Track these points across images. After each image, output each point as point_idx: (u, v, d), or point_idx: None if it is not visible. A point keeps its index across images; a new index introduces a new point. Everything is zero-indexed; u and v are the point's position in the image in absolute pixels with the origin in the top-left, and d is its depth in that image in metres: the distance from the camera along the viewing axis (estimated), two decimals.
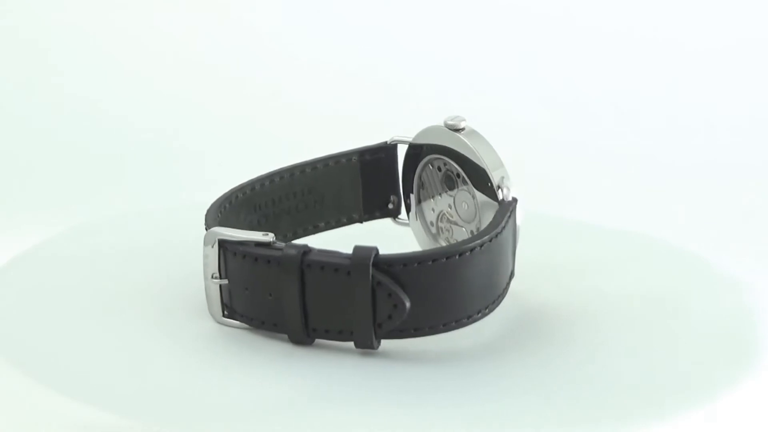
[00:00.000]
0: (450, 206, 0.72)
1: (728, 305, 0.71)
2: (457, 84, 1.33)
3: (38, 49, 1.29)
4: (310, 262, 0.62)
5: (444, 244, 0.73)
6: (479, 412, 0.59)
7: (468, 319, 0.64)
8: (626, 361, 0.65)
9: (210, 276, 0.65)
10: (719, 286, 0.74)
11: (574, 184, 1.22)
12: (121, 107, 1.26)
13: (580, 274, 0.75)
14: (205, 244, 0.65)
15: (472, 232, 0.71)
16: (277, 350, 0.63)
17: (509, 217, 0.66)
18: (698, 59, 1.36)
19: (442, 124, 0.70)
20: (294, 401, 0.59)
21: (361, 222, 0.76)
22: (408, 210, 0.75)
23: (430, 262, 0.62)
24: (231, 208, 0.70)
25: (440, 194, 0.72)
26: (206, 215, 0.67)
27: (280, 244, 0.63)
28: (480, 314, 0.64)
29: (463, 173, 0.70)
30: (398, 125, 0.78)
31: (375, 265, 0.61)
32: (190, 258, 0.69)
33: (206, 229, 0.65)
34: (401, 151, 0.74)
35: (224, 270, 0.65)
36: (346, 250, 0.62)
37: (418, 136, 0.72)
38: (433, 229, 0.74)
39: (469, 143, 0.69)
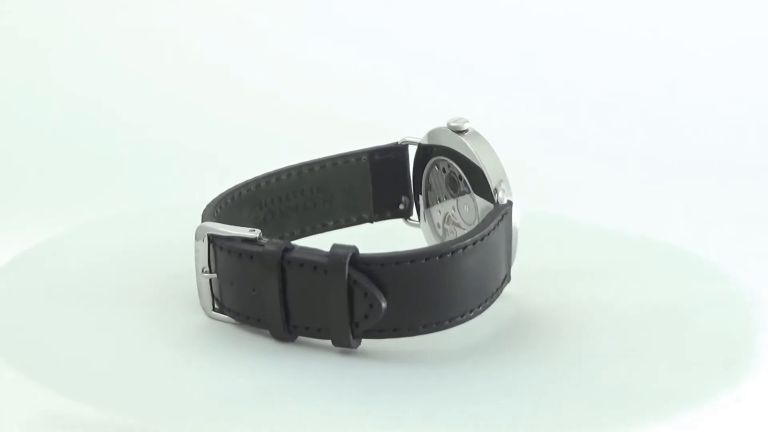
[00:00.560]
0: (454, 208, 0.72)
1: (728, 305, 0.70)
2: (456, 84, 1.32)
3: (38, 49, 1.31)
4: (290, 259, 0.62)
5: None
6: (446, 417, 0.58)
7: (450, 321, 0.63)
8: (625, 362, 0.64)
9: (201, 270, 0.66)
10: (719, 286, 0.73)
11: (573, 184, 1.20)
12: (121, 107, 1.28)
13: (578, 276, 0.74)
14: (196, 238, 0.65)
15: None
16: (258, 346, 0.64)
17: (500, 220, 0.65)
18: (698, 59, 1.34)
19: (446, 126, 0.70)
20: (259, 397, 0.59)
21: (372, 222, 0.76)
22: (418, 211, 0.75)
23: (408, 263, 0.61)
24: (233, 203, 0.71)
25: (445, 196, 0.72)
26: (204, 210, 0.68)
27: (264, 240, 0.63)
28: (463, 318, 0.64)
29: (464, 176, 0.70)
30: (408, 127, 0.77)
31: (353, 264, 0.61)
32: (189, 257, 0.69)
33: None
34: (413, 153, 0.74)
35: (214, 264, 0.65)
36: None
37: (425, 137, 0.72)
38: (440, 231, 0.73)
39: (469, 145, 0.69)
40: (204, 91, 1.30)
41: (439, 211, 0.73)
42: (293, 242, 0.70)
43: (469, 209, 0.70)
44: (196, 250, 0.66)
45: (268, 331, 0.64)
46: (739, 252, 1.05)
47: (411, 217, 0.76)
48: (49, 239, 0.78)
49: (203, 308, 0.67)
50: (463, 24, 1.36)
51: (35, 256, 0.75)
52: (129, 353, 0.64)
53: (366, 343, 0.63)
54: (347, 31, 1.35)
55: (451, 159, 0.70)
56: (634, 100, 1.31)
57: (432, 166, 0.72)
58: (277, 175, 0.73)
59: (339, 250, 0.61)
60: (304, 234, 0.74)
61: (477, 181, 0.69)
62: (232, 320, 0.66)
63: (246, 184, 0.72)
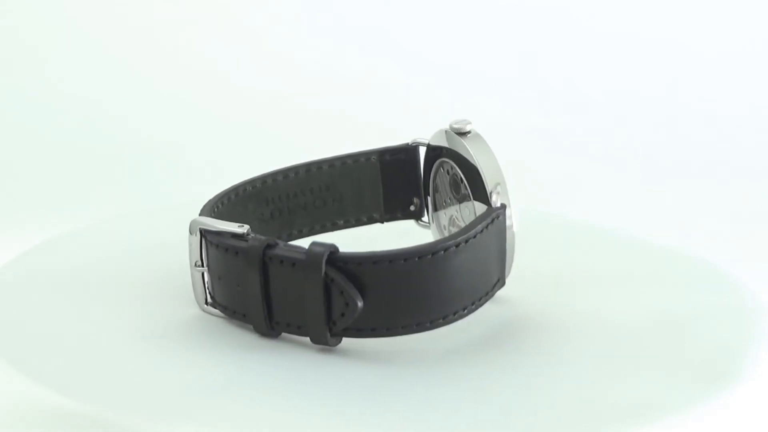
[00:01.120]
0: (457, 210, 0.71)
1: (728, 309, 0.69)
2: (456, 84, 1.30)
3: (38, 49, 1.31)
4: (272, 256, 0.62)
5: None
6: (427, 415, 0.58)
7: (431, 323, 0.63)
8: (611, 366, 0.63)
9: (194, 264, 0.67)
10: (719, 289, 0.72)
11: (573, 184, 1.18)
12: (121, 107, 1.28)
13: (575, 279, 0.73)
14: (190, 232, 0.66)
15: None
16: (245, 341, 0.64)
17: (490, 223, 0.65)
18: (698, 59, 1.30)
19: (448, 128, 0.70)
20: (233, 391, 0.60)
21: (382, 222, 0.76)
22: (427, 212, 0.75)
23: (387, 263, 0.61)
24: (237, 199, 0.71)
25: (450, 198, 0.72)
26: (204, 205, 0.69)
27: (250, 236, 0.64)
28: (446, 320, 0.63)
29: (464, 178, 0.69)
30: (415, 128, 0.77)
31: (330, 262, 0.61)
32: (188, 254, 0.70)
33: None
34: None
35: (205, 259, 0.66)
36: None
37: (432, 138, 0.72)
38: (446, 233, 0.73)
39: (468, 147, 0.68)
40: (208, 92, 1.30)
41: (445, 213, 0.73)
42: (295, 241, 0.71)
43: (469, 212, 0.70)
44: (190, 244, 0.66)
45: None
46: (739, 252, 1.03)
47: (422, 219, 0.76)
48: (49, 239, 0.78)
49: (197, 302, 0.68)
50: (462, 24, 1.35)
51: (35, 256, 0.76)
52: (114, 348, 0.64)
53: (349, 343, 0.63)
54: (357, 33, 1.35)
55: (454, 161, 0.70)
56: (634, 100, 1.29)
57: (438, 168, 0.72)
58: (284, 173, 0.73)
59: (317, 248, 0.61)
60: (313, 232, 0.75)
61: (475, 183, 0.68)
62: (223, 315, 0.66)
63: (251, 181, 0.72)
